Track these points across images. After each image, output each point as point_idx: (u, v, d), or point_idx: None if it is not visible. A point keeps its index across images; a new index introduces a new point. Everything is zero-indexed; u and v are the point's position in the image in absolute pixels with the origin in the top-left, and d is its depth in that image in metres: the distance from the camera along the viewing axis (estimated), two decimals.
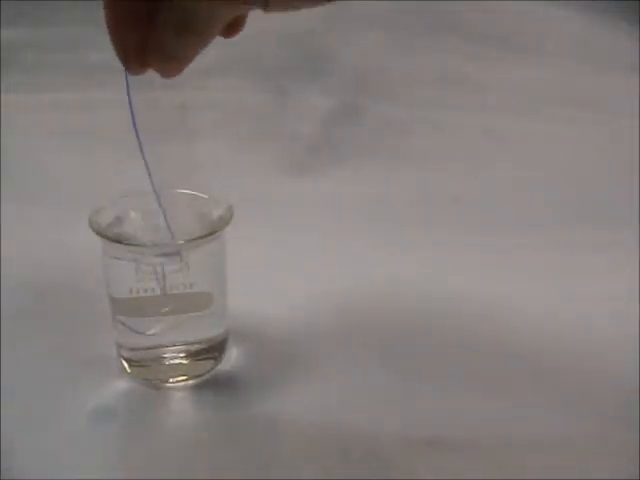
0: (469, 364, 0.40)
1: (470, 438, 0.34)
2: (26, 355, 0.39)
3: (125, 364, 0.38)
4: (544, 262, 0.51)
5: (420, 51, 0.68)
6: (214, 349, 0.38)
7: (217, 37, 0.28)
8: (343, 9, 0.63)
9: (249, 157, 0.64)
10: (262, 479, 0.32)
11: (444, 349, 0.41)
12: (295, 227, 0.54)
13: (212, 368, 0.38)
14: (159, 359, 0.37)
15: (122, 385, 0.37)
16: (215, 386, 0.37)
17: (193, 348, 0.37)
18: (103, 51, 0.28)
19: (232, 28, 0.29)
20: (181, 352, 0.37)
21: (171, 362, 0.37)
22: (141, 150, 0.31)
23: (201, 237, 0.34)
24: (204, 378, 0.38)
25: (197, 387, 0.37)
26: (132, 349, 0.37)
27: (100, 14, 0.27)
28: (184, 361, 0.37)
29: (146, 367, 0.38)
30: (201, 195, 0.37)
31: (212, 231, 0.35)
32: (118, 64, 0.28)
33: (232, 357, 0.40)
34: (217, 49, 0.28)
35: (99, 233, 0.34)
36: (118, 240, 0.34)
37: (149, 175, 0.32)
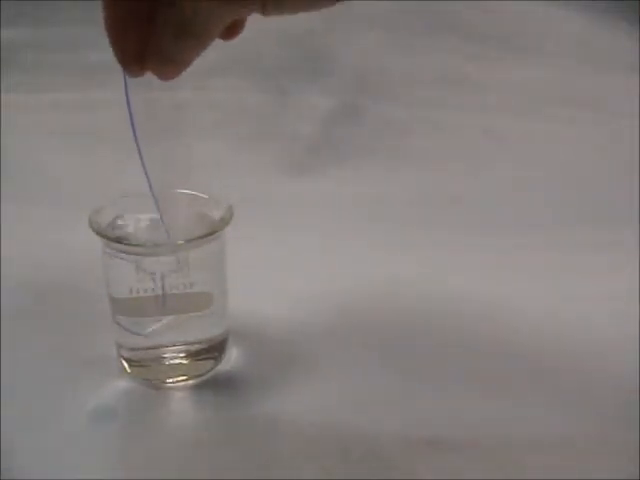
0: (469, 364, 0.40)
1: (470, 438, 0.34)
2: (26, 355, 0.39)
3: (125, 364, 0.38)
4: (544, 262, 0.51)
5: (420, 51, 0.68)
6: (214, 349, 0.38)
7: (216, 39, 0.28)
8: (343, 9, 0.63)
9: (249, 157, 0.64)
10: (262, 479, 0.32)
11: (444, 349, 0.41)
12: (295, 227, 0.54)
13: (212, 368, 0.38)
14: (159, 359, 0.37)
15: (122, 385, 0.37)
16: (215, 386, 0.37)
17: (193, 348, 0.37)
18: (103, 51, 0.28)
19: (231, 31, 0.29)
20: (181, 352, 0.37)
21: (171, 362, 0.37)
22: (139, 151, 0.31)
23: (201, 237, 0.34)
24: (204, 378, 0.38)
25: (197, 387, 0.37)
26: (132, 349, 0.37)
27: (100, 14, 0.28)
28: (184, 361, 0.37)
29: (146, 367, 0.38)
30: (201, 195, 0.37)
31: (212, 231, 0.35)
32: (118, 64, 0.28)
33: (232, 357, 0.40)
34: (217, 49, 0.28)
35: (99, 233, 0.34)
36: (118, 240, 0.34)
37: (146, 175, 0.32)
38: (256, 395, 0.37)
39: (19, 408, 0.35)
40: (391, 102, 0.68)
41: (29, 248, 0.49)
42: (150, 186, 0.32)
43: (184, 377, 0.37)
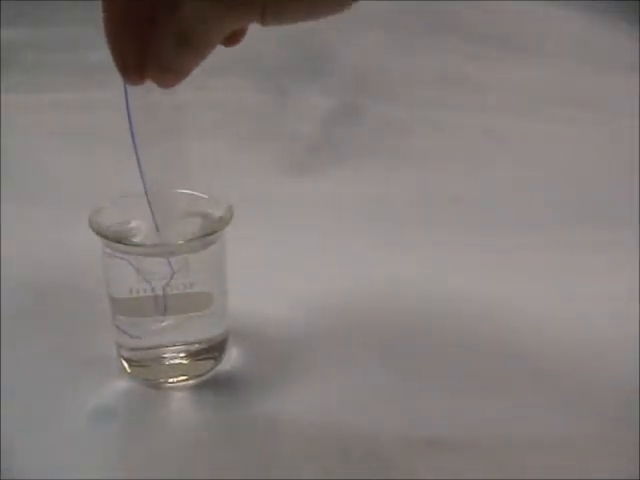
0: (469, 364, 0.40)
1: (470, 438, 0.34)
2: (26, 355, 0.39)
3: (125, 364, 0.38)
4: (544, 262, 0.51)
5: (420, 51, 0.68)
6: (214, 349, 0.38)
7: (217, 45, 0.28)
8: None
9: (249, 157, 0.64)
10: (262, 479, 0.32)
11: (444, 349, 0.41)
12: (295, 227, 0.54)
13: (212, 368, 0.38)
14: (159, 359, 0.37)
15: (122, 385, 0.37)
16: (215, 386, 0.37)
17: (193, 348, 0.37)
18: (103, 51, 0.28)
19: (233, 38, 0.30)
20: (181, 352, 0.37)
21: (171, 362, 0.37)
22: (136, 152, 0.31)
23: (201, 237, 0.34)
24: (204, 378, 0.38)
25: (197, 387, 0.37)
26: (132, 349, 0.37)
27: (100, 14, 0.28)
28: (184, 361, 0.37)
29: (146, 367, 0.38)
30: (201, 195, 0.37)
31: (212, 231, 0.35)
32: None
33: (232, 357, 0.40)
34: (217, 49, 0.28)
35: (99, 233, 0.34)
36: (118, 240, 0.34)
37: (142, 176, 0.32)
38: (256, 395, 0.37)
39: (19, 408, 0.35)
40: (391, 102, 0.68)
41: (29, 248, 0.49)
42: (145, 186, 0.32)
43: (184, 377, 0.37)
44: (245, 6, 0.25)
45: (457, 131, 0.67)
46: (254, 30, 0.30)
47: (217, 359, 0.38)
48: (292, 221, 0.55)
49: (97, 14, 0.28)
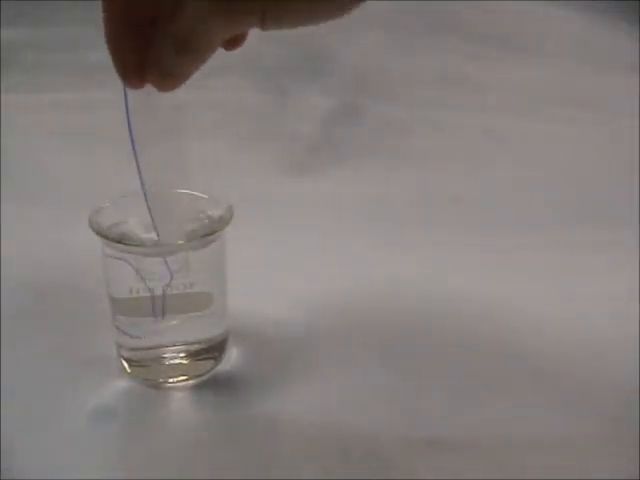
0: (469, 364, 0.40)
1: (470, 438, 0.34)
2: (26, 355, 0.39)
3: (125, 364, 0.38)
4: (544, 262, 0.51)
5: (420, 51, 0.68)
6: (214, 349, 0.38)
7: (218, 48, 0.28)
8: None
9: (249, 157, 0.64)
10: (262, 479, 0.32)
11: (444, 349, 0.41)
12: (295, 227, 0.54)
13: (212, 368, 0.38)
14: (159, 359, 0.37)
15: (122, 385, 0.37)
16: (215, 386, 0.37)
17: (193, 348, 0.37)
18: (103, 51, 0.28)
19: (233, 42, 0.30)
20: (181, 352, 0.37)
21: (171, 362, 0.37)
22: (136, 156, 0.31)
23: (201, 237, 0.34)
24: (204, 378, 0.38)
25: (197, 387, 0.37)
26: (132, 349, 0.37)
27: (100, 14, 0.28)
28: (184, 361, 0.37)
29: (146, 367, 0.38)
30: (201, 195, 0.37)
31: (212, 231, 0.35)
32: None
33: (232, 357, 0.40)
34: (217, 50, 0.28)
35: (99, 233, 0.34)
36: (118, 240, 0.34)
37: (140, 176, 0.32)
38: (256, 395, 0.37)
39: (19, 408, 0.35)
40: (391, 102, 0.68)
41: (29, 248, 0.49)
42: (144, 189, 0.32)
43: (184, 377, 0.37)
44: (245, 11, 0.25)
45: (457, 131, 0.67)
46: (254, 30, 0.30)
47: (217, 359, 0.38)
48: (292, 221, 0.55)
49: (97, 14, 0.28)
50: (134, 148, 0.31)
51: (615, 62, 0.68)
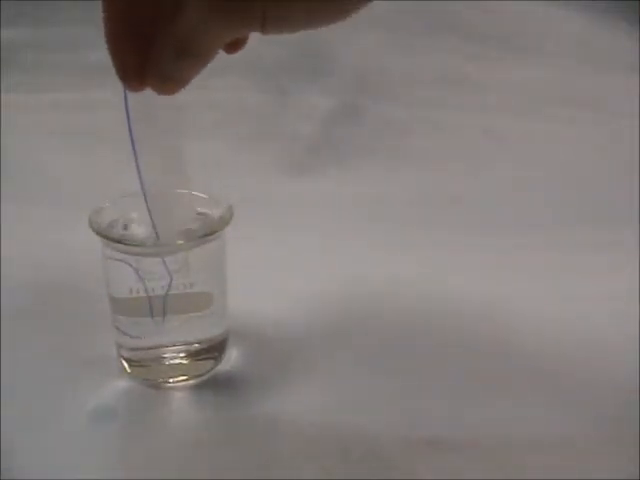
0: (469, 364, 0.40)
1: (470, 438, 0.34)
2: (26, 355, 0.39)
3: (125, 364, 0.38)
4: (544, 262, 0.51)
5: (420, 51, 0.68)
6: (214, 349, 0.38)
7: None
8: None
9: (249, 157, 0.64)
10: (262, 479, 0.32)
11: (444, 349, 0.41)
12: (295, 227, 0.54)
13: (212, 368, 0.38)
14: (159, 359, 0.37)
15: (122, 385, 0.37)
16: (215, 386, 0.37)
17: (193, 348, 0.37)
18: (103, 51, 0.28)
19: (234, 45, 0.30)
20: (181, 352, 0.37)
21: (171, 362, 0.37)
22: (135, 157, 0.31)
23: (201, 237, 0.34)
24: (204, 378, 0.38)
25: (197, 387, 0.37)
26: (132, 349, 0.37)
27: (100, 14, 0.28)
28: (184, 361, 0.37)
29: (146, 367, 0.38)
30: (201, 195, 0.37)
31: (212, 231, 0.35)
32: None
33: (232, 357, 0.40)
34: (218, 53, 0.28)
35: (99, 233, 0.34)
36: (118, 240, 0.34)
37: (140, 177, 0.32)
38: (256, 395, 0.37)
39: (19, 408, 0.35)
40: (391, 102, 0.68)
41: (29, 248, 0.49)
42: (142, 187, 0.32)
43: (184, 377, 0.37)
44: (245, 16, 0.25)
45: (457, 131, 0.67)
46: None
47: (217, 359, 0.38)
48: (292, 221, 0.55)
49: (97, 14, 0.28)
50: (134, 148, 0.31)
51: (615, 62, 0.68)
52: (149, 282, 0.35)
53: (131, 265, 0.34)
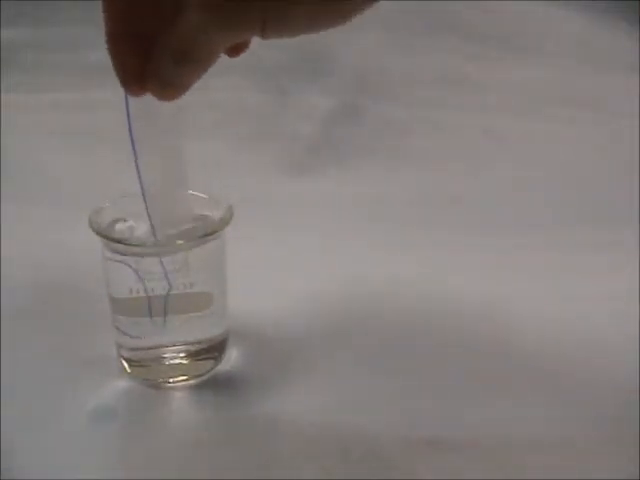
0: (469, 364, 0.40)
1: (470, 438, 0.34)
2: (26, 355, 0.39)
3: (125, 364, 0.38)
4: (544, 262, 0.51)
5: (420, 51, 0.68)
6: (214, 349, 0.38)
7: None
8: None
9: (249, 157, 0.64)
10: (262, 479, 0.32)
11: (444, 349, 0.41)
12: (295, 227, 0.54)
13: (212, 368, 0.38)
14: (159, 359, 0.37)
15: (122, 385, 0.37)
16: (215, 386, 0.37)
17: (193, 348, 0.37)
18: (103, 51, 0.28)
19: (236, 49, 0.29)
20: (181, 352, 0.37)
21: (171, 362, 0.37)
22: (135, 158, 0.31)
23: (201, 237, 0.34)
24: (204, 378, 0.38)
25: (197, 387, 0.37)
26: (132, 349, 0.37)
27: (100, 14, 0.28)
28: (184, 361, 0.37)
29: (146, 367, 0.38)
30: (201, 195, 0.37)
31: (212, 231, 0.35)
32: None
33: (232, 357, 0.40)
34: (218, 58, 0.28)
35: (99, 233, 0.34)
36: (118, 240, 0.34)
37: (139, 177, 0.32)
38: (256, 395, 0.37)
39: (19, 408, 0.35)
40: (391, 102, 0.68)
41: (29, 248, 0.49)
42: (142, 187, 0.32)
43: (184, 377, 0.37)
44: (245, 20, 0.25)
45: (457, 131, 0.67)
46: None
47: (217, 359, 0.38)
48: (292, 221, 0.55)
49: (97, 14, 0.28)
50: (134, 149, 0.31)
51: (615, 62, 0.68)
52: (149, 282, 0.35)
53: (131, 266, 0.34)
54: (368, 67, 0.69)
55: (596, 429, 0.35)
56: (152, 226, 0.33)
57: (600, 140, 0.67)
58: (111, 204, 0.36)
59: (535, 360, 0.40)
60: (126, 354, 0.37)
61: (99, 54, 0.29)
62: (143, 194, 0.32)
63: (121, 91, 0.29)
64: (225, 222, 0.35)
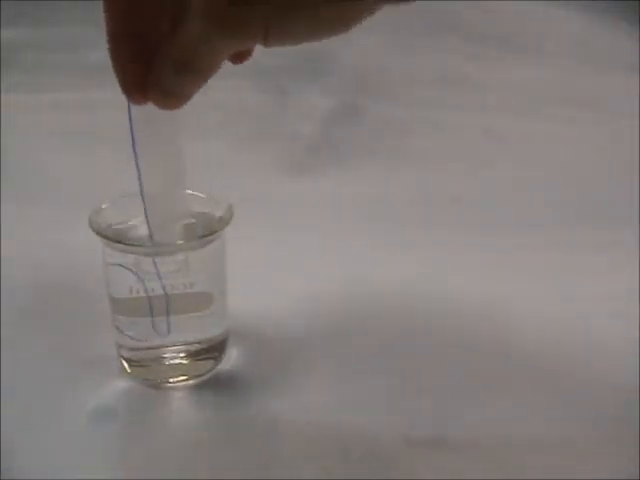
0: (469, 364, 0.40)
1: (470, 438, 0.34)
2: (26, 355, 0.39)
3: (125, 364, 0.38)
4: (544, 262, 0.51)
5: (420, 51, 0.68)
6: (214, 349, 0.38)
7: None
8: None
9: (249, 157, 0.64)
10: (262, 479, 0.32)
11: (444, 349, 0.41)
12: (295, 227, 0.54)
13: (212, 368, 0.38)
14: (159, 359, 0.37)
15: (122, 385, 0.37)
16: (215, 386, 0.37)
17: (193, 348, 0.37)
18: (103, 51, 0.28)
19: (240, 56, 0.29)
20: (181, 352, 0.37)
21: (171, 362, 0.37)
22: (136, 159, 0.31)
23: (201, 237, 0.34)
24: (204, 378, 0.38)
25: (197, 387, 0.37)
26: (132, 349, 0.37)
27: (100, 14, 0.27)
28: (184, 361, 0.37)
29: (146, 367, 0.38)
30: (201, 195, 0.37)
31: (212, 231, 0.35)
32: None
33: (232, 357, 0.40)
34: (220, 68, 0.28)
35: (99, 233, 0.34)
36: (118, 240, 0.34)
37: (139, 177, 0.32)
38: (256, 395, 0.37)
39: (19, 408, 0.35)
40: (391, 102, 0.68)
41: (29, 248, 0.49)
42: (141, 187, 0.32)
43: (184, 377, 0.37)
44: (247, 30, 0.25)
45: (457, 131, 0.67)
46: None
47: (217, 359, 0.38)
48: (292, 221, 0.55)
49: (97, 14, 0.28)
50: (134, 150, 0.31)
51: (615, 62, 0.68)
52: (149, 282, 0.35)
53: (131, 268, 0.34)
54: (368, 67, 0.69)
55: (596, 429, 0.35)
56: (149, 227, 0.33)
57: (600, 140, 0.67)
58: (111, 204, 0.36)
59: (535, 360, 0.40)
60: (126, 354, 0.37)
61: (99, 54, 0.29)
62: (142, 195, 0.32)
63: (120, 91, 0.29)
64: (225, 222, 0.35)
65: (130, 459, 0.33)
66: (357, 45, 0.68)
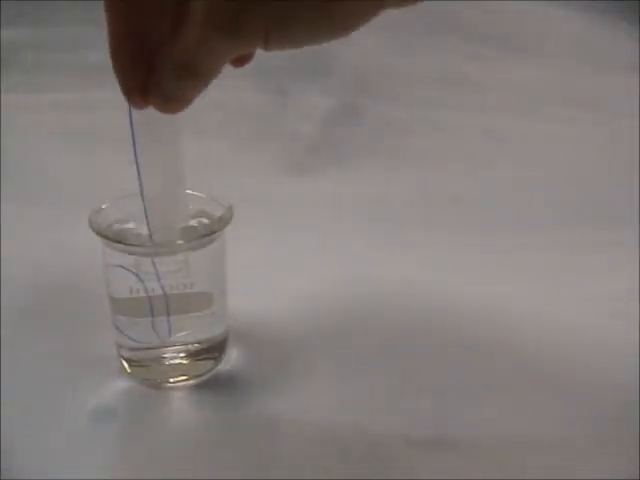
0: (469, 364, 0.40)
1: (470, 438, 0.34)
2: (26, 355, 0.39)
3: (125, 364, 0.38)
4: (544, 262, 0.51)
5: (420, 51, 0.68)
6: (214, 349, 0.38)
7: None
8: None
9: (249, 157, 0.64)
10: (262, 479, 0.32)
11: (444, 349, 0.41)
12: (295, 227, 0.54)
13: (212, 368, 0.38)
14: (159, 359, 0.37)
15: (122, 385, 0.37)
16: (215, 386, 0.37)
17: (193, 348, 0.37)
18: (103, 51, 0.28)
19: (241, 60, 0.29)
20: (181, 352, 0.37)
21: (171, 362, 0.37)
22: (136, 159, 0.31)
23: (201, 237, 0.34)
24: (204, 378, 0.38)
25: (197, 387, 0.37)
26: (132, 349, 0.37)
27: (100, 14, 0.27)
28: (184, 361, 0.37)
29: (146, 367, 0.38)
30: (201, 195, 0.37)
31: (212, 231, 0.35)
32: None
33: (232, 357, 0.40)
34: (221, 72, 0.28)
35: (99, 233, 0.34)
36: (118, 240, 0.34)
37: (139, 177, 0.32)
38: (256, 395, 0.37)
39: (19, 408, 0.35)
40: (391, 102, 0.68)
41: (29, 248, 0.49)
42: (141, 187, 0.32)
43: (184, 377, 0.37)
44: (248, 34, 0.25)
45: (457, 131, 0.67)
46: None
47: (217, 359, 0.38)
48: (292, 221, 0.55)
49: (97, 14, 0.28)
50: (135, 152, 0.31)
51: (615, 62, 0.68)
52: (149, 282, 0.35)
53: (131, 269, 0.34)
54: (368, 67, 0.69)
55: (596, 429, 0.35)
56: (149, 228, 0.33)
57: (600, 140, 0.67)
58: (111, 204, 0.36)
59: (535, 360, 0.40)
60: (126, 354, 0.37)
61: (99, 54, 0.29)
62: (142, 195, 0.32)
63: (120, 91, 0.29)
64: (225, 222, 0.35)
65: (130, 459, 0.33)
66: (357, 45, 0.68)
